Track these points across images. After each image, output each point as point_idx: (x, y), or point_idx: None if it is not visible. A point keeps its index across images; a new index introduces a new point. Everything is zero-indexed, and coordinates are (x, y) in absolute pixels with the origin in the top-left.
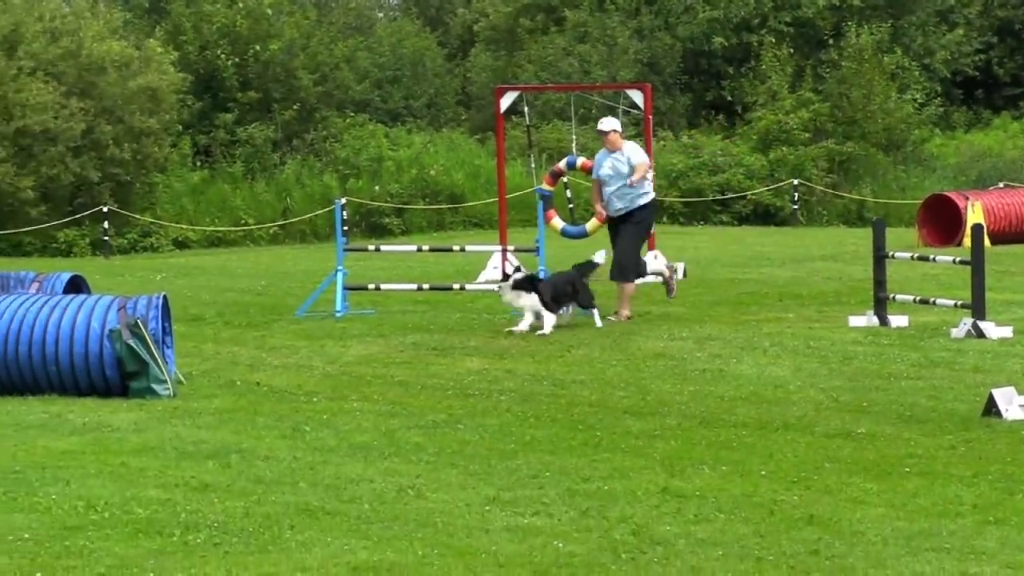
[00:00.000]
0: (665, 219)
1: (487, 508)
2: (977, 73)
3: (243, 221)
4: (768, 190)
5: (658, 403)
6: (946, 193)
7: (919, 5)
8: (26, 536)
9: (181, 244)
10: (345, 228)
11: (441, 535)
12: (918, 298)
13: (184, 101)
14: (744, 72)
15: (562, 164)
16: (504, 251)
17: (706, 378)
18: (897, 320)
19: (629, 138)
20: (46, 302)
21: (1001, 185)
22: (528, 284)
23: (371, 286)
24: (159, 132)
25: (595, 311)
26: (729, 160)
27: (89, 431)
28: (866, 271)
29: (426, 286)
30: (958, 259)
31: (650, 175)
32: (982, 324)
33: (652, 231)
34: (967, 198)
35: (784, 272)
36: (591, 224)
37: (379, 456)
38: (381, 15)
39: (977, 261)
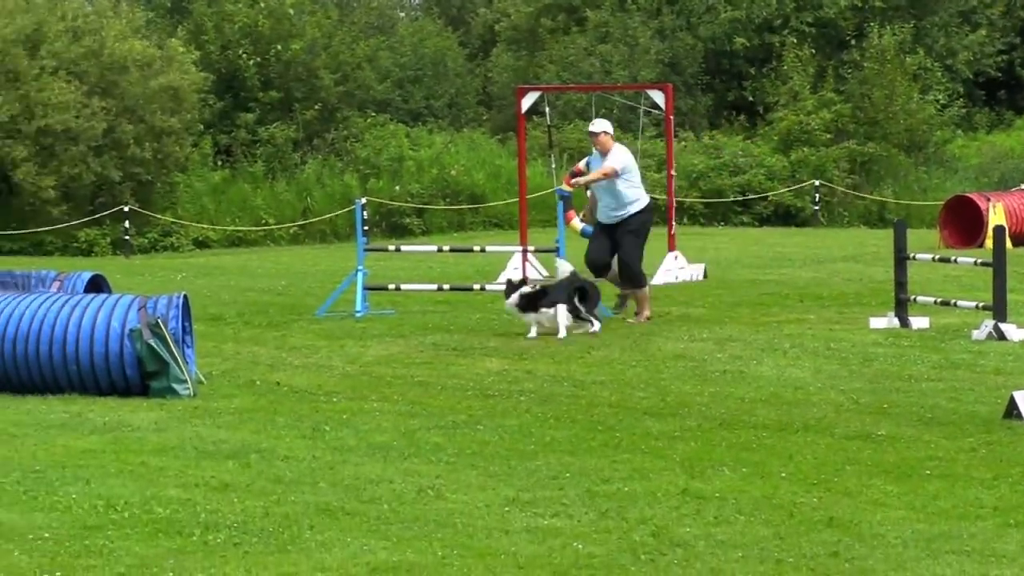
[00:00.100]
0: (686, 220)
1: (507, 509)
2: (999, 74)
3: (264, 221)
4: (789, 191)
5: (678, 404)
6: (968, 194)
7: (941, 6)
8: (46, 535)
9: (202, 244)
10: (365, 228)
11: (461, 536)
12: (939, 300)
13: (205, 101)
14: (766, 73)
15: (582, 164)
16: (524, 251)
17: (726, 379)
18: (918, 322)
19: (651, 139)
20: (67, 301)
21: (1023, 186)
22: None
23: (391, 286)
24: (180, 132)
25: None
26: (750, 161)
27: (109, 430)
28: (887, 272)
29: (446, 286)
30: (979, 261)
31: (634, 179)
32: (1003, 326)
33: (673, 231)
34: (989, 199)
35: (805, 273)
36: None
37: (399, 456)
38: (403, 15)
39: (999, 263)
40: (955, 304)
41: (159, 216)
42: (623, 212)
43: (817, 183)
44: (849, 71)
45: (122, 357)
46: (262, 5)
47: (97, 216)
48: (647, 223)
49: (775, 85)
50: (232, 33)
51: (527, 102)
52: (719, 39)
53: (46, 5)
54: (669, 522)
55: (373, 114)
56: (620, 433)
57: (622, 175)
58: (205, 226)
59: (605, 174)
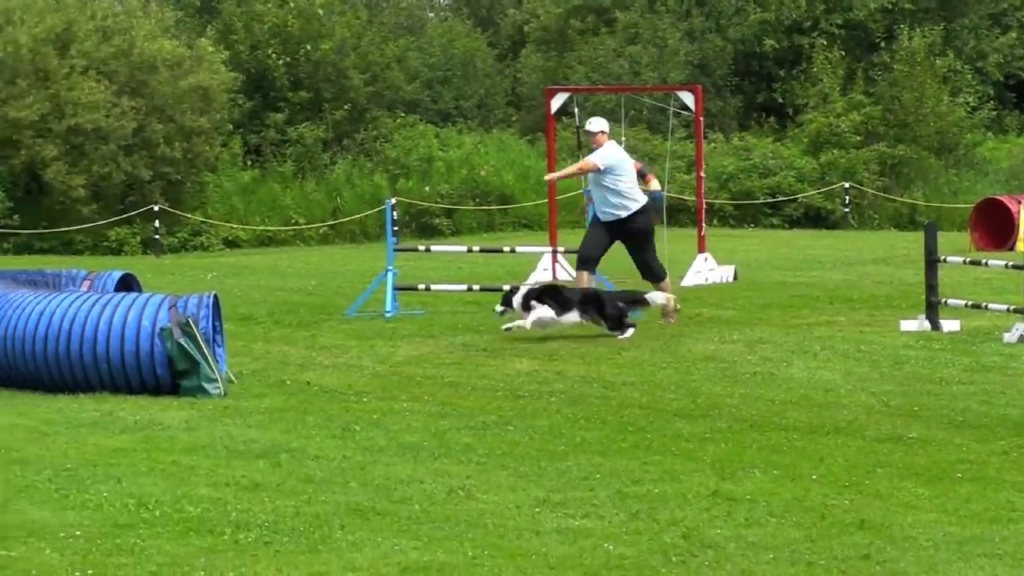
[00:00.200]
0: (715, 221)
1: (537, 510)
2: None
3: (293, 221)
4: (819, 193)
5: (708, 406)
6: (998, 197)
7: (972, 8)
8: (78, 533)
9: (231, 243)
10: (395, 228)
11: (491, 536)
12: (970, 302)
13: (235, 100)
14: (795, 74)
15: None
16: (554, 252)
17: (756, 381)
18: (949, 324)
19: (680, 140)
20: (97, 300)
21: None
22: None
23: (421, 286)
24: (210, 131)
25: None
26: (780, 163)
27: (140, 429)
28: (917, 275)
29: (476, 287)
30: (1011, 263)
31: (626, 178)
32: None
33: (703, 233)
34: (1020, 202)
35: (835, 275)
36: None
37: (429, 456)
38: (432, 15)
39: None
40: (986, 307)
41: (189, 215)
42: (619, 211)
43: (847, 185)
44: (879, 73)
45: (153, 356)
46: (291, 5)
47: (127, 215)
48: (649, 223)
49: (804, 87)
50: (261, 33)
51: (556, 103)
52: (748, 41)
53: (76, 5)
54: (700, 524)
55: (402, 114)
56: (650, 434)
57: (608, 173)
58: (235, 226)
59: (581, 168)
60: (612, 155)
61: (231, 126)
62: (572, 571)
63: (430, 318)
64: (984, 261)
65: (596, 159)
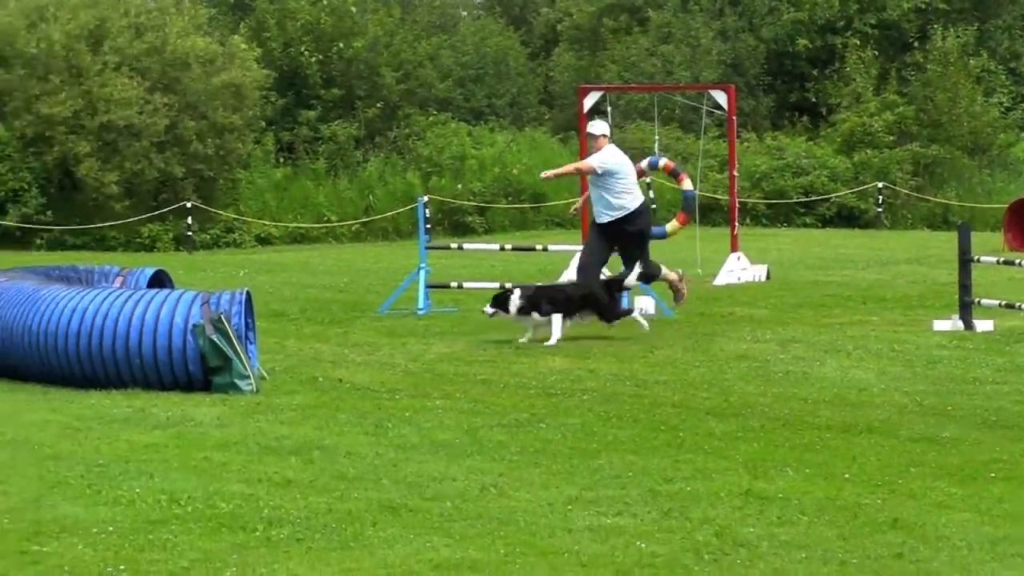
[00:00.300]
0: (748, 220)
1: (569, 507)
2: None
3: (326, 218)
4: (852, 192)
5: (741, 405)
6: None
7: (1005, 8)
8: (110, 529)
9: (264, 240)
10: (428, 226)
11: (523, 534)
12: (1004, 302)
13: (267, 98)
14: (828, 74)
15: (644, 164)
16: None
17: (789, 380)
18: (982, 324)
19: (713, 140)
20: (130, 296)
21: None
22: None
23: (453, 284)
24: (242, 128)
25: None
26: (813, 162)
27: (172, 425)
28: (951, 275)
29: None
30: None
31: (625, 181)
32: None
33: (736, 232)
34: None
35: (868, 275)
36: (671, 225)
37: (461, 454)
38: (465, 13)
39: None
40: (1020, 307)
41: (221, 212)
42: (616, 212)
43: (880, 185)
44: (912, 73)
45: (185, 352)
46: (324, 2)
47: (160, 212)
48: (646, 225)
49: (838, 87)
50: (294, 30)
51: (589, 102)
52: (781, 40)
53: (109, 1)
54: (732, 522)
55: (435, 112)
56: (683, 433)
57: (607, 176)
58: (267, 223)
59: (578, 169)
60: (612, 158)
61: (264, 123)
62: (604, 569)
63: (462, 316)
64: (1018, 261)
65: (594, 161)
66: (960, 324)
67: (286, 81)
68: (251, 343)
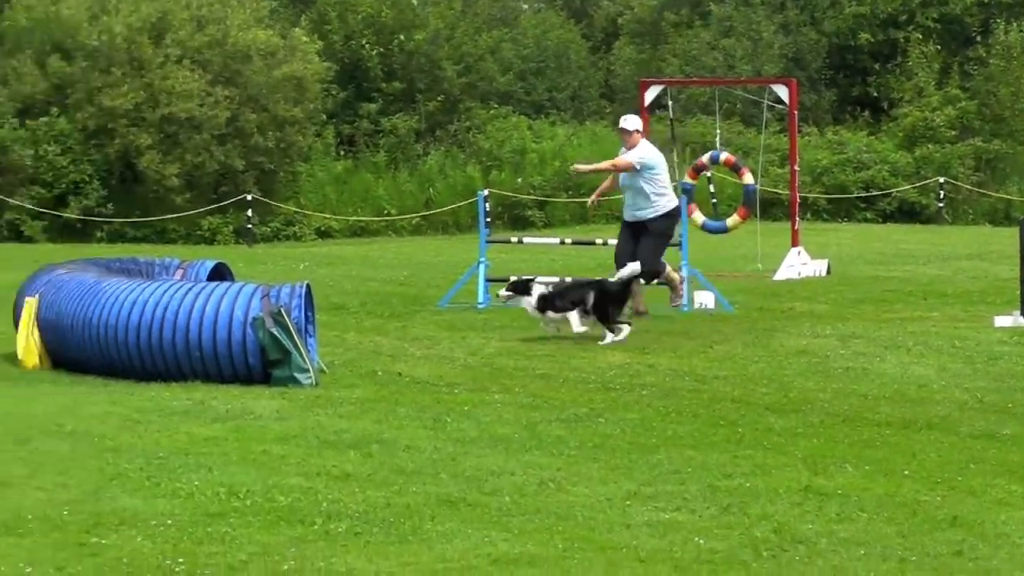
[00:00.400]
0: (809, 215)
1: (628, 503)
2: None
3: (386, 211)
4: (913, 188)
5: (801, 400)
6: None
7: None
8: (168, 522)
9: (324, 233)
10: (488, 220)
11: (582, 529)
12: None
13: (328, 90)
14: (890, 68)
15: (705, 158)
16: None
17: (849, 376)
18: None
19: (774, 134)
20: (190, 289)
21: None
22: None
23: (513, 278)
24: (303, 121)
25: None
26: (874, 157)
27: (231, 418)
28: (1012, 271)
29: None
30: None
31: (659, 179)
32: None
33: (797, 227)
34: None
35: (929, 270)
36: (732, 220)
37: (520, 448)
38: (526, 7)
39: None
40: None
41: (281, 205)
42: (644, 212)
43: (942, 180)
44: (975, 68)
45: (245, 345)
46: None
47: (220, 205)
48: (671, 228)
49: (899, 81)
50: (355, 23)
51: (650, 95)
52: (843, 34)
53: None
54: (791, 519)
55: (495, 106)
56: (742, 428)
57: (642, 172)
58: (327, 216)
59: (615, 165)
60: (648, 153)
61: (324, 116)
62: (662, 564)
63: (522, 310)
64: None
65: (632, 157)
66: (1021, 320)
67: (347, 74)
68: (311, 336)
